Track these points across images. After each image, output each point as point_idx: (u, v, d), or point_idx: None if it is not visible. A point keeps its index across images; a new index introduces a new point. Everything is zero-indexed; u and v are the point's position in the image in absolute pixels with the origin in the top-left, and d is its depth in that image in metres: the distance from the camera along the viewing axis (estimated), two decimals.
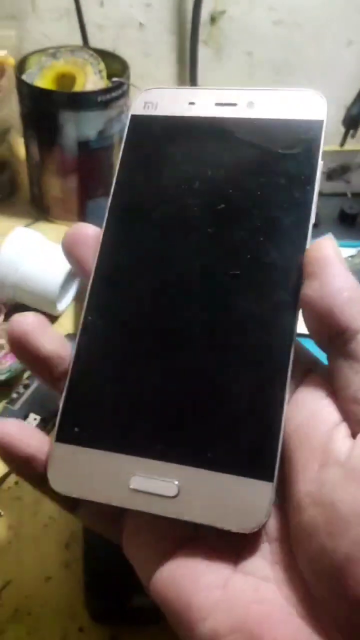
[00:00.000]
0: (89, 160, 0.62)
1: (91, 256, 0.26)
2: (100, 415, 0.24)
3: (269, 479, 0.22)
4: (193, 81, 0.78)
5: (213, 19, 0.74)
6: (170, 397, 0.24)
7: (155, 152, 0.28)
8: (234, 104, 0.28)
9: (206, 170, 0.27)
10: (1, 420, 0.24)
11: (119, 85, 0.59)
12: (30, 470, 0.23)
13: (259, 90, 0.28)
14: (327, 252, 0.22)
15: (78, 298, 0.56)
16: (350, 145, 0.75)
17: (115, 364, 0.25)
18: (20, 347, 0.24)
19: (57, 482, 0.23)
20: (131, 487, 0.23)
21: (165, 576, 0.21)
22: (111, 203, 0.27)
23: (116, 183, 0.27)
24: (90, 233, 0.26)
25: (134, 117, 0.29)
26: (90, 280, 0.26)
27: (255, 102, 0.28)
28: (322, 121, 0.27)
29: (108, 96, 0.58)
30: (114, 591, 0.35)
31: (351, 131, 0.72)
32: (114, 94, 0.58)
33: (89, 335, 0.25)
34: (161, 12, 0.73)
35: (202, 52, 0.76)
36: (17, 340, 0.24)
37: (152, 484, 0.22)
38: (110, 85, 0.60)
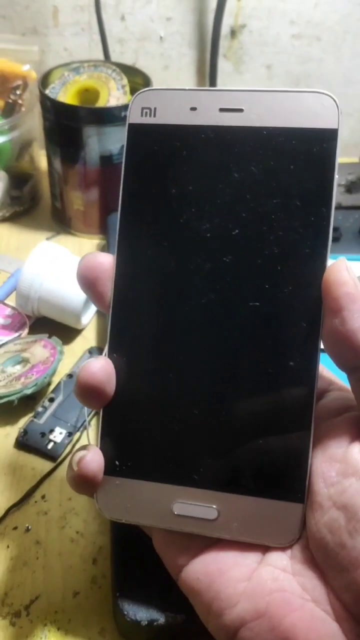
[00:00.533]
0: (111, 174, 0.62)
1: (107, 288, 0.26)
2: (140, 448, 0.25)
3: (301, 500, 0.23)
4: None
5: (233, 33, 0.75)
6: (208, 429, 0.25)
7: (158, 169, 0.26)
8: (240, 110, 0.26)
9: (214, 189, 0.25)
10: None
11: None
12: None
13: (265, 93, 0.25)
14: (346, 289, 0.23)
15: (101, 312, 0.56)
16: None
17: (150, 397, 0.25)
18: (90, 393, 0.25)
19: (106, 509, 0.25)
20: (175, 512, 0.24)
21: (196, 570, 0.24)
22: (120, 228, 0.26)
23: (122, 205, 0.27)
24: (104, 262, 0.26)
25: (133, 127, 0.27)
26: (110, 317, 0.26)
27: (262, 107, 0.25)
28: (336, 130, 0.25)
29: None
30: (144, 608, 0.36)
31: None
32: None
33: (118, 369, 0.25)
34: (182, 25, 0.74)
35: (222, 65, 0.77)
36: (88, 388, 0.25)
37: (194, 509, 0.24)
38: None
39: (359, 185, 0.75)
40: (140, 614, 0.35)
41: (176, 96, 0.26)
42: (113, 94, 0.60)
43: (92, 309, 0.55)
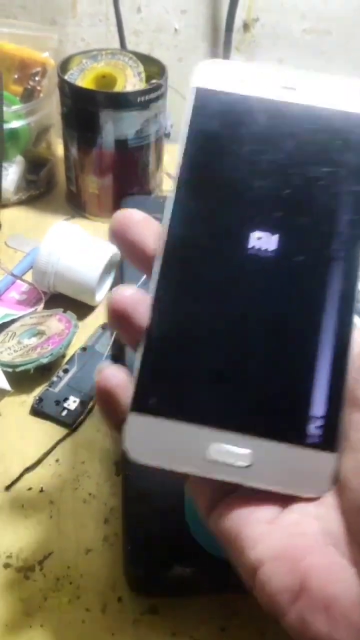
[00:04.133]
0: (126, 158, 0.64)
1: (143, 239, 0.26)
2: (178, 387, 0.25)
3: (335, 450, 0.23)
4: None
5: (246, 26, 0.77)
6: (246, 372, 0.25)
7: (223, 134, 0.27)
8: (294, 89, 0.27)
9: (276, 161, 0.26)
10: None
11: (158, 86, 0.61)
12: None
13: (318, 76, 0.27)
14: None
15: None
16: None
17: (193, 336, 0.25)
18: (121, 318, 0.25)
19: (133, 451, 0.24)
20: (207, 457, 0.24)
21: (223, 511, 0.24)
22: (176, 195, 0.26)
23: (182, 167, 0.27)
24: (138, 218, 0.27)
25: (200, 91, 0.27)
26: (161, 253, 0.26)
27: (315, 89, 0.27)
28: None
29: (147, 97, 0.60)
30: (153, 562, 0.37)
31: None
32: (152, 95, 0.61)
33: (163, 307, 0.25)
34: (196, 18, 0.75)
35: (234, 58, 0.78)
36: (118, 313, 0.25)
37: (228, 455, 0.24)
38: (148, 87, 0.62)
39: None
40: (151, 567, 0.37)
41: (238, 69, 0.28)
42: (130, 81, 0.62)
43: (106, 286, 0.57)
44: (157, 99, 0.61)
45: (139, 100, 0.60)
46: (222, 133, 0.27)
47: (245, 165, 0.27)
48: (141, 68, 0.63)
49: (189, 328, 0.25)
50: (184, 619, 0.37)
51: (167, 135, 0.66)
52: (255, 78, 0.27)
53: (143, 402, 0.24)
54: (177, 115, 0.66)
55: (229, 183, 0.27)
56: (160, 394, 0.25)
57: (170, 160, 0.75)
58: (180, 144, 0.27)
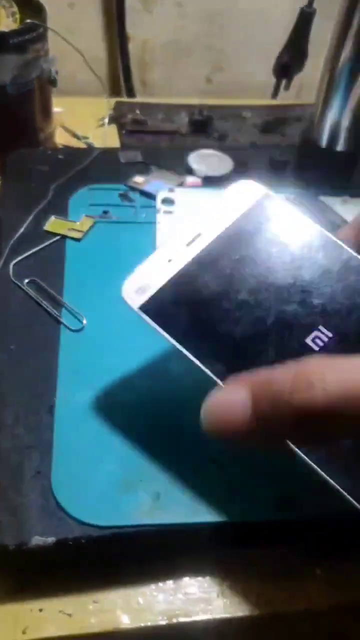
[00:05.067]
0: (6, 108, 0.59)
1: None
2: None
3: None
4: (121, 33, 0.76)
5: None
6: None
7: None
8: (199, 234, 0.32)
9: None
10: None
11: (34, 27, 0.56)
12: None
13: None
14: None
15: None
16: (287, 99, 0.74)
17: None
18: None
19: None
20: None
21: None
22: None
23: None
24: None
25: (141, 309, 0.31)
26: None
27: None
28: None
29: (21, 38, 0.55)
30: (11, 532, 0.33)
31: (284, 82, 0.70)
32: (27, 37, 0.56)
33: None
34: None
35: (131, 3, 0.74)
36: None
37: None
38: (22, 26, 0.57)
39: (275, 126, 0.74)
40: (8, 538, 0.33)
41: (155, 258, 0.32)
42: (2, 22, 0.57)
43: None
44: (34, 40, 0.56)
45: (12, 42, 0.55)
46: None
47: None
48: (15, 8, 0.58)
49: None
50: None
51: (53, 83, 0.61)
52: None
53: None
54: (63, 61, 0.61)
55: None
56: None
57: (66, 113, 0.70)
58: None
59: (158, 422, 0.37)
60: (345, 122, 0.55)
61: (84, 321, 0.43)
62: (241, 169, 0.61)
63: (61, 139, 0.68)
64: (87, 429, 0.37)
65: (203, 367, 0.28)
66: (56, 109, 0.67)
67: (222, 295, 0.30)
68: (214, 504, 0.33)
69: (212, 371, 0.28)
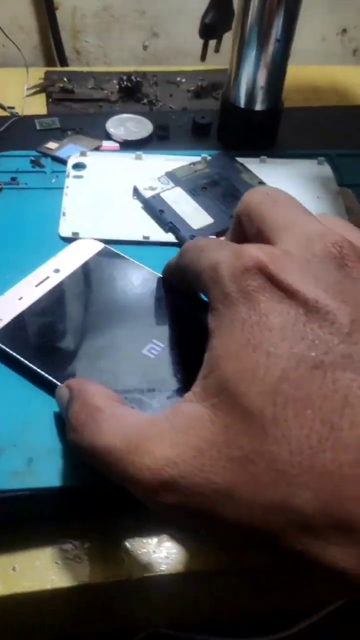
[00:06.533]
0: None
1: None
2: None
3: None
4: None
5: None
6: None
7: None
8: (47, 277, 0.39)
9: None
10: None
11: None
12: None
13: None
14: None
15: None
16: (220, 64, 0.72)
17: None
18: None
19: None
20: None
21: None
22: None
23: None
24: None
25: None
26: None
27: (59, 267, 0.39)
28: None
29: None
30: None
31: (213, 44, 0.68)
32: None
33: None
34: None
35: None
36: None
37: None
38: None
39: (209, 90, 0.72)
40: None
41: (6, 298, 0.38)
42: None
43: None
44: None
45: None
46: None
47: None
48: None
49: None
50: None
51: None
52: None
53: None
54: None
55: None
56: None
57: None
58: None
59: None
60: (261, 82, 0.54)
61: None
62: (162, 132, 0.59)
63: None
64: None
65: (49, 377, 0.34)
66: None
67: (64, 323, 0.36)
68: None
69: (55, 378, 0.33)
